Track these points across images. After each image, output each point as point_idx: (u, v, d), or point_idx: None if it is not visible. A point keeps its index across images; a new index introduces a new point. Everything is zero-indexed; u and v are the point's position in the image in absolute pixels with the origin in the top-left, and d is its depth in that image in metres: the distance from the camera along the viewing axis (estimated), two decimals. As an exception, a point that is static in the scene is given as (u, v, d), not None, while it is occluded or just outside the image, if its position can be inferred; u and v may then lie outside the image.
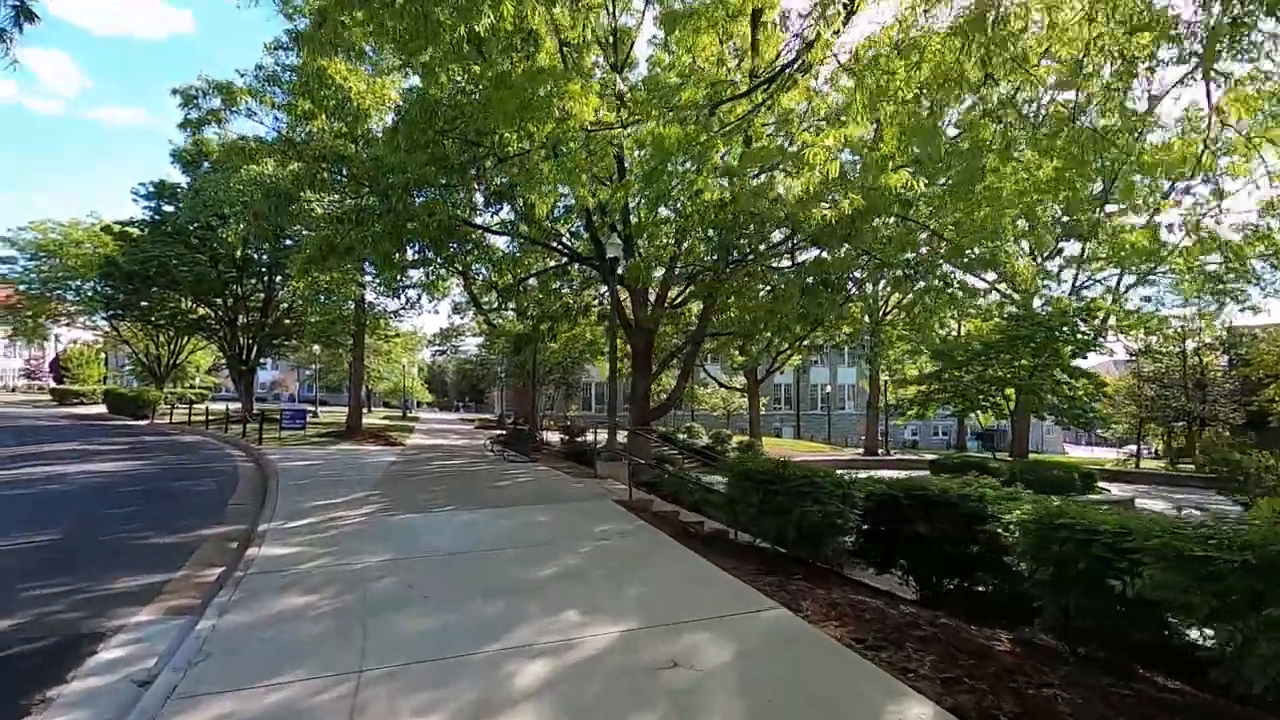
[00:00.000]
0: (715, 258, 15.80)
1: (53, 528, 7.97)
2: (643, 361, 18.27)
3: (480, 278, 37.73)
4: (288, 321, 32.61)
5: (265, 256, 29.68)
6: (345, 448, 19.38)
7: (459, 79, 11.48)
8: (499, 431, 29.22)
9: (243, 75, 14.96)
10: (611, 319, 14.54)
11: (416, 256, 15.72)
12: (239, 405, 33.84)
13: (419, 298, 30.55)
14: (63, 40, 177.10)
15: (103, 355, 59.79)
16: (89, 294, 34.23)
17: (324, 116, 13.74)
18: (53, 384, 55.00)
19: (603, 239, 16.45)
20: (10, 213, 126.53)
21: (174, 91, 12.57)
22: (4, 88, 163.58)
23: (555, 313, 19.79)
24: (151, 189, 30.12)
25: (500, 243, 19.78)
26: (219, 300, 31.60)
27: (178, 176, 30.33)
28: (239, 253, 29.46)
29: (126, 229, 29.08)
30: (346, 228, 14.16)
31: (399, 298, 18.35)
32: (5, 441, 20.94)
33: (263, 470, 14.18)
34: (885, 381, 38.89)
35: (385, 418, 47.36)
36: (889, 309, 32.72)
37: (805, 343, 23.26)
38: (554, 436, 26.64)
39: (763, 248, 15.90)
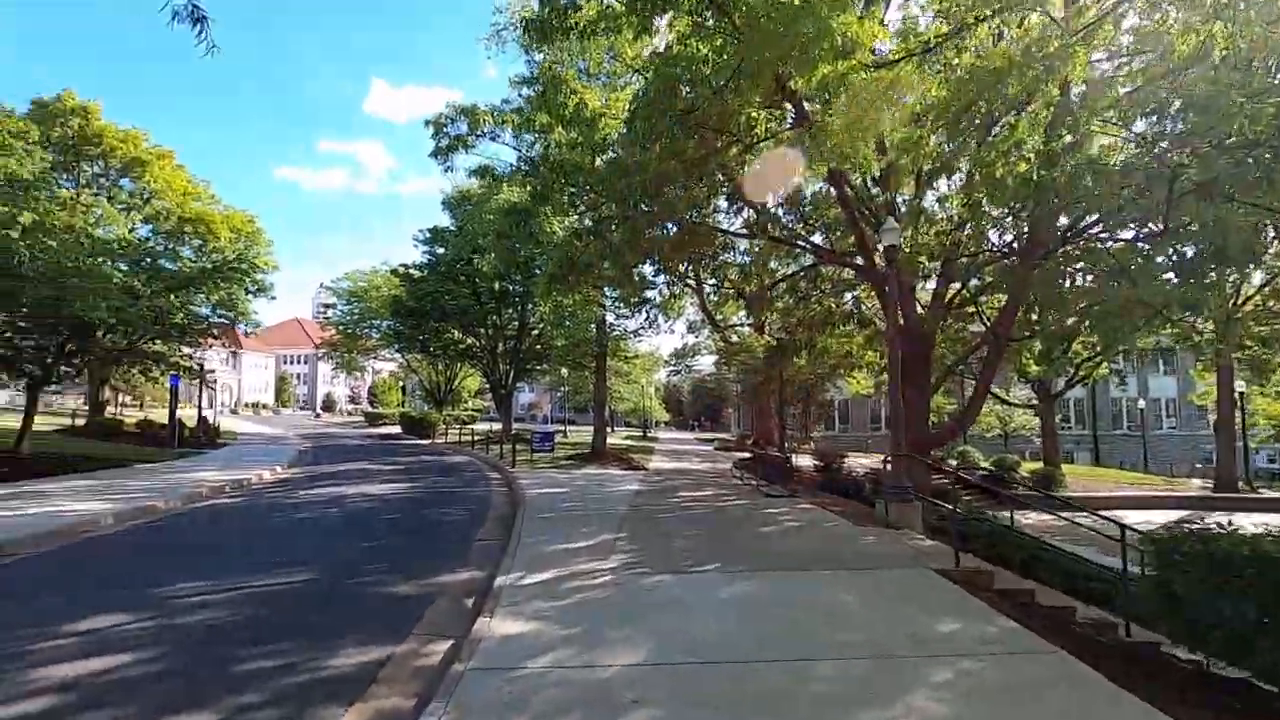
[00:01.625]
0: (1025, 236, 12.13)
1: (306, 566, 7.58)
2: (919, 374, 14.96)
3: (713, 295, 36.59)
4: (539, 347, 34.41)
5: (518, 287, 31.62)
6: (590, 472, 18.83)
7: (699, 49, 9.82)
8: (742, 454, 27.32)
9: (487, 107, 15.18)
10: (890, 320, 11.70)
11: (656, 268, 14.48)
12: (500, 426, 36.68)
13: (656, 317, 30.21)
14: (377, 132, 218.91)
15: (401, 383, 70.41)
16: (385, 330, 39.70)
17: (560, 128, 13.11)
18: (366, 408, 66.03)
19: (865, 228, 13.71)
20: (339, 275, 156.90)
21: (426, 123, 12.94)
22: (338, 176, 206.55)
23: (813, 320, 17.29)
24: (427, 234, 33.87)
25: (741, 246, 17.95)
26: (481, 330, 34.49)
27: (447, 221, 33.84)
28: (496, 285, 31.76)
29: (410, 271, 32.86)
30: (585, 242, 13.34)
31: (640, 313, 17.37)
32: (320, 459, 24.20)
33: (513, 495, 13.75)
34: (1241, 393, 29.48)
35: (626, 437, 48.35)
36: (1247, 295, 24.57)
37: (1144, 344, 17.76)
38: (803, 460, 23.93)
39: (1094, 217, 11.83)
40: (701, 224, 13.16)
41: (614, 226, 12.46)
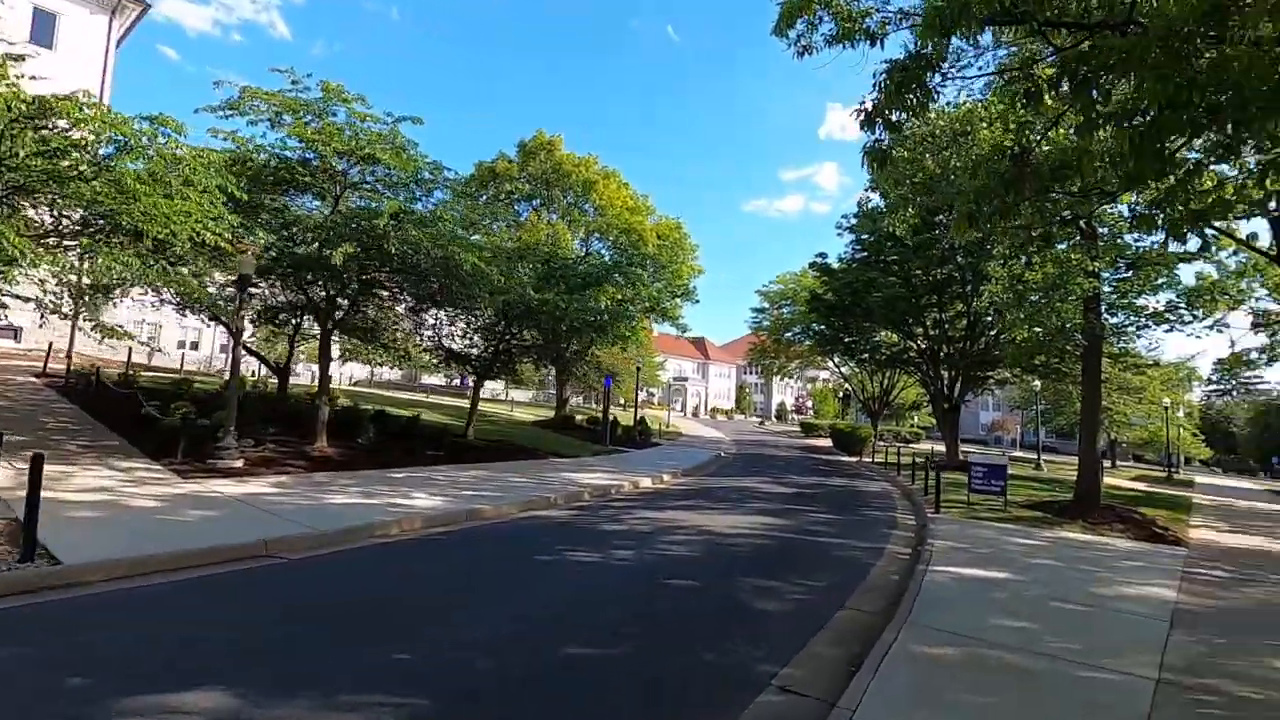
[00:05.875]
0: None
1: (435, 687, 4.12)
2: None
3: None
4: (996, 352, 26.12)
5: (967, 274, 24.36)
6: (1067, 537, 11.50)
7: None
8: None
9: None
10: None
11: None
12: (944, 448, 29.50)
13: (1185, 303, 19.41)
14: (831, 154, 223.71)
15: (840, 393, 66.82)
16: (809, 333, 36.51)
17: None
18: (803, 418, 64.52)
19: None
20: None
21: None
22: (796, 201, 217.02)
23: None
24: (852, 218, 29.24)
25: None
26: (919, 329, 28.12)
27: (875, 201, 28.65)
28: (937, 273, 25.13)
29: (826, 262, 28.84)
30: (1052, 105, 7.02)
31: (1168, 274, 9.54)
32: (722, 470, 22.08)
33: (906, 573, 8.27)
34: None
35: (1137, 477, 34.44)
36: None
37: None
38: None
39: None
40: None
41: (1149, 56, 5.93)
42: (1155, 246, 16.61)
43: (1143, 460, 53.14)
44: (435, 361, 23.07)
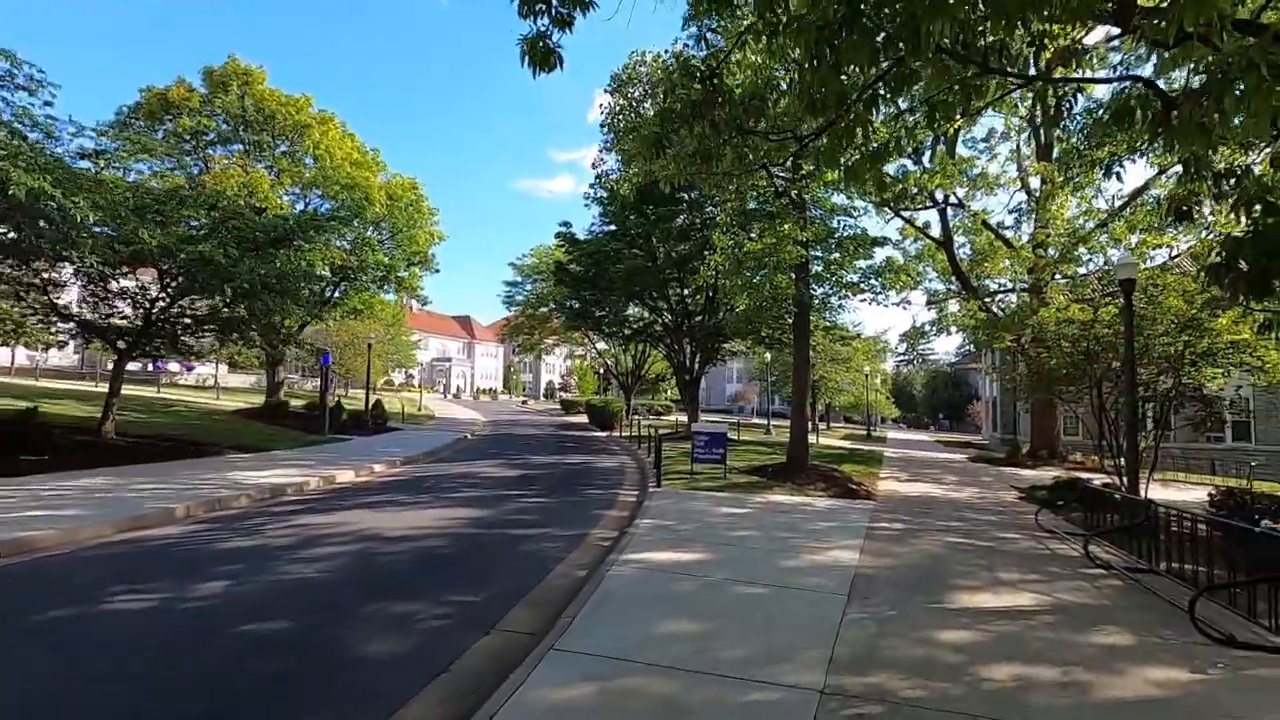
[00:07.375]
0: None
1: None
2: None
3: (965, 251, 27.01)
4: (728, 327, 27.33)
5: (706, 251, 24.95)
6: (776, 500, 11.53)
7: None
8: (1027, 475, 17.81)
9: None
10: None
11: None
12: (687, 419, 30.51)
13: (876, 276, 21.99)
14: (597, 137, 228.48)
15: (596, 370, 67.83)
16: (562, 308, 35.56)
17: None
18: (565, 396, 64.35)
19: None
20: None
21: None
22: (566, 182, 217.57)
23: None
24: (599, 190, 28.55)
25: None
26: (663, 304, 28.46)
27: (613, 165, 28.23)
28: (677, 249, 25.39)
29: (572, 232, 27.87)
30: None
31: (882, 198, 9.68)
32: (456, 455, 19.96)
33: (600, 563, 7.11)
34: None
35: (846, 437, 39.32)
36: None
37: None
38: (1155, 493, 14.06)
39: None
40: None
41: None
42: (859, 231, 18.19)
43: (851, 421, 61.72)
44: (64, 337, 17.54)
